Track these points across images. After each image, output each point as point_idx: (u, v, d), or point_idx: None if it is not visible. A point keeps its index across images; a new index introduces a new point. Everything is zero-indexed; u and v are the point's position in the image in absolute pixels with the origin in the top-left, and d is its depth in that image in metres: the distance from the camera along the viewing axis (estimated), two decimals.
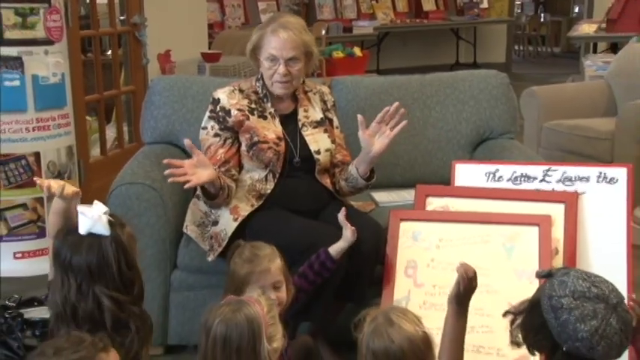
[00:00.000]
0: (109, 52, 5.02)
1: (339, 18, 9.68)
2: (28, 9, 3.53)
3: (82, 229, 1.89)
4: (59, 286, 1.92)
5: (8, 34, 3.50)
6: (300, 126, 2.78)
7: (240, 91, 2.76)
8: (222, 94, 2.75)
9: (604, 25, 7.76)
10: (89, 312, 1.89)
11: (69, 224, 1.96)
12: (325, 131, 2.81)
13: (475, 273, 1.89)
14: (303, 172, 2.74)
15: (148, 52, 4.89)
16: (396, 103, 2.65)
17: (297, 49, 2.67)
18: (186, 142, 2.52)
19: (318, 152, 2.75)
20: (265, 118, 2.73)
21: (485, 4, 11.09)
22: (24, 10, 3.52)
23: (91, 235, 1.89)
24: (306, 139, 2.76)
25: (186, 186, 2.44)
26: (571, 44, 10.42)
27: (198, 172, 2.46)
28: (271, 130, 2.71)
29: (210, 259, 2.65)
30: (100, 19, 4.66)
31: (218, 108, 2.72)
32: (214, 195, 2.57)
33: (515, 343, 1.85)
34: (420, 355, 1.84)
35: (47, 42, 3.62)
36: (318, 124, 2.81)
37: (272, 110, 2.76)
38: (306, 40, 2.71)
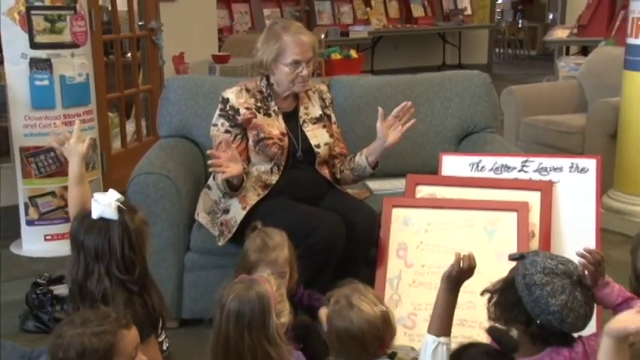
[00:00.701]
0: (129, 55, 5.00)
1: (337, 23, 9.68)
2: (56, 15, 3.54)
3: (94, 214, 1.92)
4: (71, 265, 1.96)
5: (39, 39, 3.51)
6: (301, 122, 2.77)
7: (247, 90, 2.74)
8: (231, 94, 2.72)
9: (575, 31, 7.77)
10: (92, 290, 1.91)
11: (86, 209, 1.98)
12: (324, 127, 2.80)
13: (473, 266, 1.88)
14: (305, 164, 2.73)
15: (163, 54, 4.88)
16: (409, 103, 2.70)
17: (313, 50, 2.70)
18: (225, 139, 2.57)
19: (318, 146, 2.74)
20: (270, 115, 2.72)
21: (469, 11, 11.08)
22: (52, 17, 3.53)
23: (102, 219, 1.91)
24: (307, 134, 2.75)
25: (223, 176, 2.48)
26: (546, 47, 10.40)
27: (231, 165, 2.48)
28: (275, 126, 2.70)
29: (220, 243, 2.64)
30: (120, 24, 4.66)
31: (228, 107, 2.71)
32: (237, 187, 2.58)
33: (492, 318, 1.85)
34: (377, 333, 1.88)
35: (73, 45, 3.63)
36: (317, 120, 2.80)
37: (276, 108, 2.74)
38: (315, 40, 2.76)
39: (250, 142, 2.68)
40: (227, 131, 2.68)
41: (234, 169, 2.48)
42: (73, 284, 1.96)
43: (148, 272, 2.00)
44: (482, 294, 1.89)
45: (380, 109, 2.69)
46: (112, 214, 1.91)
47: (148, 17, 4.78)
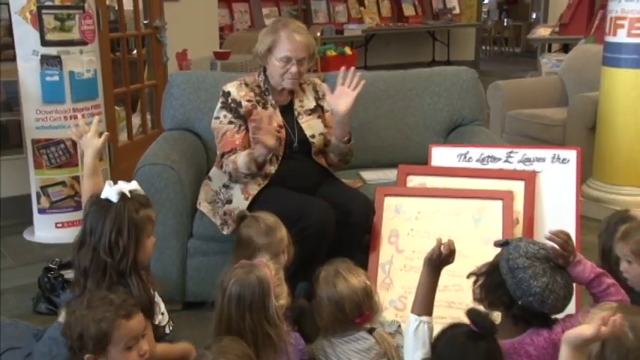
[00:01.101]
0: (135, 52, 4.98)
1: (332, 22, 9.64)
2: (66, 14, 3.53)
3: (102, 194, 1.94)
4: (76, 238, 1.98)
5: (49, 36, 3.50)
6: (296, 115, 2.75)
7: (246, 84, 2.73)
8: (232, 88, 2.71)
9: (557, 29, 7.78)
10: (79, 262, 1.92)
11: (99, 192, 1.99)
12: (319, 117, 2.79)
13: (453, 251, 1.86)
14: (302, 154, 2.72)
15: (167, 51, 4.86)
16: (352, 68, 2.68)
17: (307, 51, 2.66)
18: (265, 114, 2.54)
19: (313, 136, 2.74)
20: (267, 109, 2.70)
21: (457, 10, 11.06)
22: (62, 16, 3.52)
23: (106, 200, 1.93)
24: (302, 125, 2.74)
25: (268, 143, 2.43)
26: (530, 45, 10.38)
27: (270, 137, 2.45)
28: (273, 119, 2.67)
29: (226, 232, 2.62)
30: (126, 23, 4.63)
31: (230, 100, 2.69)
32: (261, 165, 2.56)
33: (477, 299, 1.86)
34: (357, 300, 1.94)
35: (82, 43, 3.61)
36: (312, 111, 2.79)
37: (273, 102, 2.73)
38: (312, 42, 2.72)
39: (250, 134, 2.67)
40: (230, 122, 2.67)
41: (270, 140, 2.44)
42: (73, 258, 1.99)
43: (136, 263, 1.95)
44: (468, 276, 1.90)
45: (325, 85, 2.70)
46: (113, 196, 1.92)
47: (152, 16, 4.76)
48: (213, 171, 2.79)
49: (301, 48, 2.63)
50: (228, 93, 2.70)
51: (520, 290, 1.73)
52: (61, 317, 2.03)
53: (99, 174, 2.21)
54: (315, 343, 2.07)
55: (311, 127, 2.75)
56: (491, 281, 1.80)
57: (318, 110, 2.81)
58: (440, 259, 1.84)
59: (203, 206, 2.76)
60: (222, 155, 2.64)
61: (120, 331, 1.65)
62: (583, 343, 1.42)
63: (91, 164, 2.22)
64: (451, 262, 1.87)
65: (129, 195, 1.95)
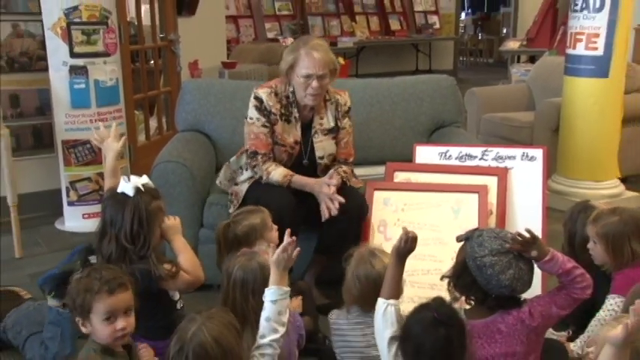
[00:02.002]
0: (152, 62, 4.95)
1: (327, 35, 9.62)
2: (92, 30, 3.52)
3: (119, 189, 1.93)
4: (96, 230, 1.97)
5: (77, 49, 3.50)
6: (313, 132, 2.62)
7: (276, 94, 2.58)
8: (264, 95, 2.56)
9: (525, 43, 7.81)
10: (103, 249, 1.92)
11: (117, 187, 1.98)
12: (333, 138, 2.66)
13: (415, 238, 1.80)
14: (309, 169, 2.63)
15: (181, 61, 4.83)
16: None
17: (327, 67, 2.49)
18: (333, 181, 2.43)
19: (322, 157, 2.64)
20: (289, 122, 2.59)
21: (437, 26, 11.03)
22: (88, 31, 3.51)
23: (122, 194, 1.92)
24: (315, 145, 2.62)
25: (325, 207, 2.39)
26: (501, 56, 10.35)
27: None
28: (292, 134, 2.58)
29: (230, 210, 2.59)
30: (144, 36, 4.61)
31: (262, 106, 2.56)
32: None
33: (455, 299, 1.82)
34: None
35: (105, 54, 3.60)
36: (329, 131, 2.65)
37: (297, 115, 2.59)
38: (332, 58, 2.54)
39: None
40: (264, 125, 2.55)
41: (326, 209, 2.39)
42: (96, 245, 1.98)
43: (152, 248, 1.95)
44: (441, 279, 1.86)
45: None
46: (129, 191, 1.92)
47: (167, 30, 4.73)
48: (234, 158, 2.77)
49: (320, 64, 2.46)
50: (261, 99, 2.56)
51: (491, 285, 1.71)
52: (50, 301, 2.03)
53: (118, 174, 2.19)
54: (332, 313, 2.01)
55: (323, 148, 2.64)
56: (464, 281, 1.77)
57: (335, 131, 2.66)
58: (406, 247, 1.79)
59: (223, 184, 2.76)
60: (255, 153, 2.55)
61: (100, 304, 1.62)
62: (622, 341, 1.43)
63: (111, 166, 2.21)
64: (413, 248, 1.81)
65: (142, 189, 1.93)
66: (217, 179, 2.77)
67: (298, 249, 1.75)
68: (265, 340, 1.65)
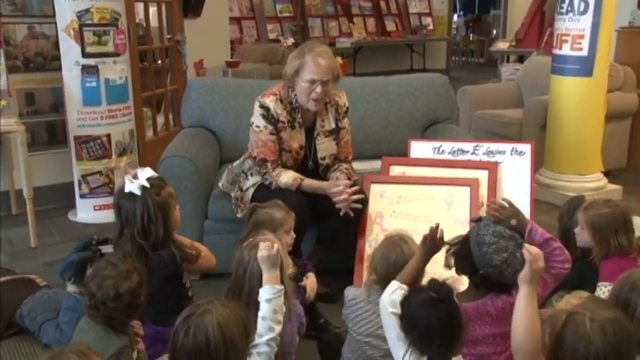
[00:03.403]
0: (159, 61, 4.93)
1: (326, 36, 9.62)
2: (102, 31, 3.51)
3: (126, 189, 1.93)
4: (113, 230, 1.98)
5: (88, 49, 3.49)
6: (315, 134, 2.58)
7: (281, 100, 2.51)
8: (271, 103, 2.49)
9: (514, 43, 7.78)
10: (123, 247, 1.93)
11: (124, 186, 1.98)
12: (334, 139, 2.63)
13: (441, 239, 1.80)
14: (313, 171, 2.60)
15: (187, 61, 4.82)
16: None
17: (330, 73, 2.45)
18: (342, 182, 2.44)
19: (324, 158, 2.61)
20: (294, 127, 2.54)
21: (431, 27, 11.00)
22: (99, 32, 3.51)
23: (131, 194, 1.93)
24: (318, 147, 2.58)
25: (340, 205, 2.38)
26: (492, 56, 10.33)
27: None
28: (296, 139, 2.54)
29: (239, 215, 2.57)
30: (152, 37, 4.60)
31: (270, 115, 2.49)
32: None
33: (447, 266, 1.84)
34: None
35: (115, 54, 3.59)
36: (330, 133, 2.61)
37: (300, 120, 2.55)
38: (336, 65, 2.49)
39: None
40: (272, 133, 2.49)
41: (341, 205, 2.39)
42: (113, 243, 2.00)
43: (168, 237, 1.96)
44: (443, 244, 1.86)
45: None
46: (137, 191, 1.92)
47: (174, 31, 4.72)
48: (237, 162, 2.70)
49: (325, 71, 2.42)
50: (268, 108, 2.49)
51: (483, 262, 1.71)
52: (69, 287, 2.05)
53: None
54: (349, 289, 1.98)
55: (325, 149, 2.60)
56: (461, 251, 1.78)
57: (336, 132, 2.63)
58: (434, 242, 1.77)
59: (225, 187, 2.71)
60: (264, 160, 2.50)
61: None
62: (529, 277, 1.54)
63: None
64: (438, 249, 1.81)
65: (147, 184, 1.93)
66: (220, 182, 2.73)
67: (278, 245, 1.73)
68: (262, 340, 1.60)
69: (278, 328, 1.64)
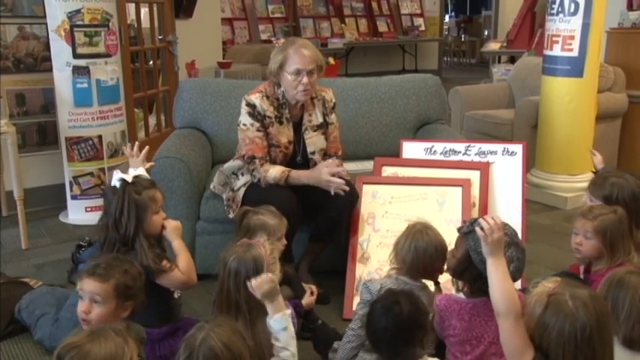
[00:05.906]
0: (151, 62, 4.91)
1: (318, 36, 9.61)
2: (94, 32, 3.50)
3: (112, 182, 1.97)
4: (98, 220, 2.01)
5: (79, 50, 3.47)
6: (303, 129, 2.58)
7: (267, 97, 2.52)
8: (257, 100, 2.50)
9: (505, 44, 7.80)
10: (101, 238, 1.96)
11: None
12: (323, 133, 2.63)
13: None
14: (302, 166, 2.59)
15: (178, 61, 4.81)
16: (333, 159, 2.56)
17: (315, 63, 2.46)
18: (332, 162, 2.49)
19: (313, 153, 2.60)
20: (282, 123, 2.54)
21: (423, 28, 11.03)
22: (90, 33, 3.49)
23: (114, 187, 1.96)
24: (306, 142, 2.59)
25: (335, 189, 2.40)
26: (483, 57, 10.35)
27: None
28: (285, 134, 2.54)
29: (230, 216, 2.56)
30: (144, 38, 4.58)
31: (256, 112, 2.49)
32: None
33: (459, 289, 1.85)
34: (444, 255, 1.90)
35: (107, 55, 3.57)
36: (317, 127, 2.61)
37: (288, 116, 2.55)
38: (319, 55, 2.51)
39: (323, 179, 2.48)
40: (259, 130, 2.50)
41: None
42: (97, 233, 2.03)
43: (142, 235, 1.93)
44: (445, 271, 1.90)
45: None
46: (116, 183, 1.96)
47: (166, 32, 4.70)
48: (228, 164, 2.69)
49: (309, 60, 2.44)
50: (254, 105, 2.49)
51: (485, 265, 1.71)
52: (79, 285, 2.03)
53: None
54: (371, 282, 1.95)
55: (314, 143, 2.59)
56: (470, 274, 1.77)
57: (324, 126, 2.63)
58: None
59: (217, 189, 2.69)
60: (253, 157, 2.49)
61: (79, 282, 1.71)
62: (490, 249, 1.61)
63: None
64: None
65: (129, 180, 1.94)
66: (211, 184, 2.72)
67: (270, 275, 1.73)
68: None
69: (294, 344, 1.69)
